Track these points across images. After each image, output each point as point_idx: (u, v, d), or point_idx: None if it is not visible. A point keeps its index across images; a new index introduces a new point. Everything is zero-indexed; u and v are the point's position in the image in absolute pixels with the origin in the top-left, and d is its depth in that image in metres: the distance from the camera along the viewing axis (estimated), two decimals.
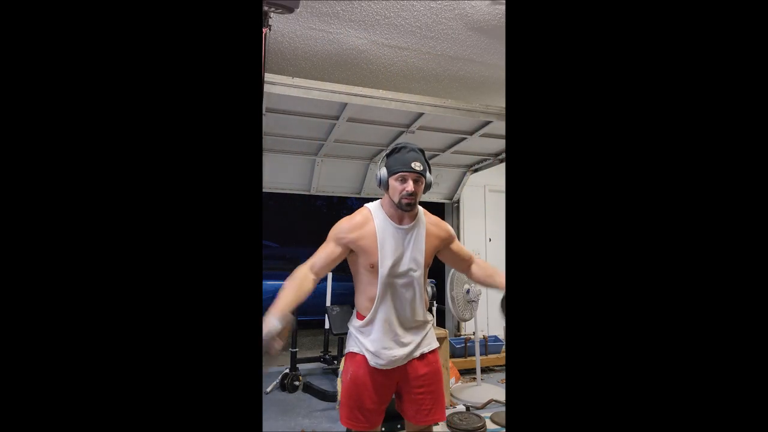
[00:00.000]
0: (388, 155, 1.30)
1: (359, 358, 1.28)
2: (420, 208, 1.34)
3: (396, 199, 1.24)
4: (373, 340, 1.27)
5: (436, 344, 1.36)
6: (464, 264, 1.43)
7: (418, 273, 1.28)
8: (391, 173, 1.25)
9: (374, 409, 1.27)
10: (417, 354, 1.30)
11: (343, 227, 1.27)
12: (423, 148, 1.31)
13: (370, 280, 1.27)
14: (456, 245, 1.41)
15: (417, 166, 1.24)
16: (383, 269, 1.24)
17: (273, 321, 1.04)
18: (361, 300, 1.30)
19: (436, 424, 1.33)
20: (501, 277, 1.34)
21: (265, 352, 1.00)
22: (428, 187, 1.30)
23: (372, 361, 1.26)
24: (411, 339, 1.29)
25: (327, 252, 1.25)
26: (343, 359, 1.37)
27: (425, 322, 1.34)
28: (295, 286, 1.17)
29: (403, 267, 1.26)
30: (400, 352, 1.27)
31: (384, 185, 1.28)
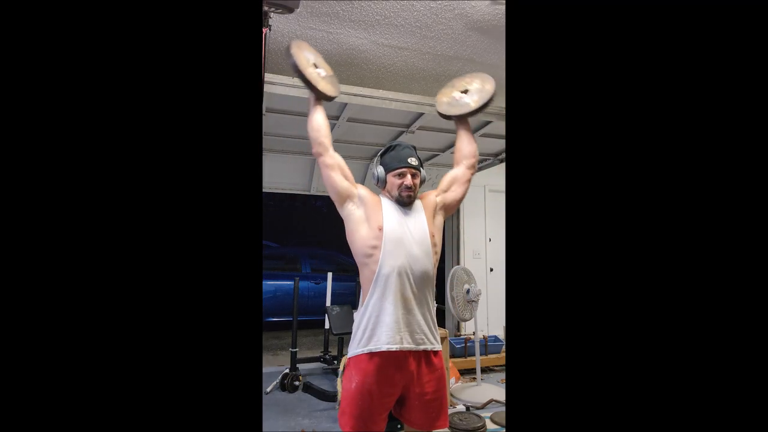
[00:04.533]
0: (382, 154, 1.37)
1: (364, 364, 1.23)
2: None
3: (395, 194, 1.31)
4: (384, 314, 1.23)
5: (440, 346, 1.34)
6: (458, 179, 1.43)
7: (424, 242, 1.28)
8: (388, 170, 1.33)
9: (378, 417, 1.24)
10: (423, 347, 1.25)
11: (360, 185, 1.34)
12: (423, 148, 1.33)
13: (375, 248, 1.25)
14: (441, 187, 1.43)
15: (413, 161, 1.32)
16: (389, 231, 1.25)
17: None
18: (368, 276, 1.27)
19: None
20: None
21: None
22: (423, 181, 1.37)
23: (384, 344, 1.21)
24: (422, 316, 1.26)
25: (347, 170, 1.32)
26: (343, 360, 1.35)
27: (432, 304, 1.32)
28: None
29: (408, 235, 1.27)
30: (411, 322, 1.24)
31: (382, 183, 1.36)
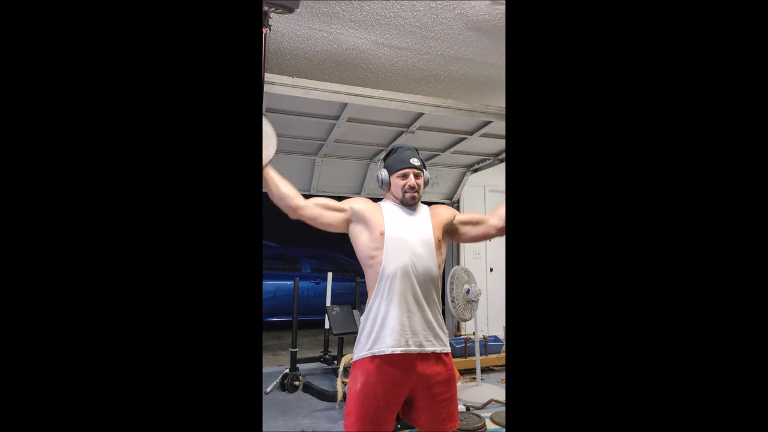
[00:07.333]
0: (385, 158, 1.41)
1: (368, 366, 1.22)
2: (422, 204, 1.40)
3: (399, 195, 1.33)
4: (388, 317, 1.23)
5: (449, 347, 1.32)
6: (483, 224, 1.41)
7: (428, 243, 1.29)
8: (392, 172, 1.36)
9: (385, 420, 1.22)
10: (430, 349, 1.25)
11: (353, 199, 1.36)
12: (423, 148, 1.34)
13: (378, 250, 1.26)
14: (462, 216, 1.42)
15: (415, 161, 1.35)
16: (391, 233, 1.26)
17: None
18: (372, 278, 1.28)
19: None
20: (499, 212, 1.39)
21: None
22: (426, 182, 1.39)
23: (388, 348, 1.21)
24: (428, 317, 1.26)
25: (331, 201, 1.32)
26: (343, 360, 1.36)
27: (438, 304, 1.33)
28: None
29: (412, 236, 1.28)
30: (416, 324, 1.24)
31: (386, 185, 1.38)
